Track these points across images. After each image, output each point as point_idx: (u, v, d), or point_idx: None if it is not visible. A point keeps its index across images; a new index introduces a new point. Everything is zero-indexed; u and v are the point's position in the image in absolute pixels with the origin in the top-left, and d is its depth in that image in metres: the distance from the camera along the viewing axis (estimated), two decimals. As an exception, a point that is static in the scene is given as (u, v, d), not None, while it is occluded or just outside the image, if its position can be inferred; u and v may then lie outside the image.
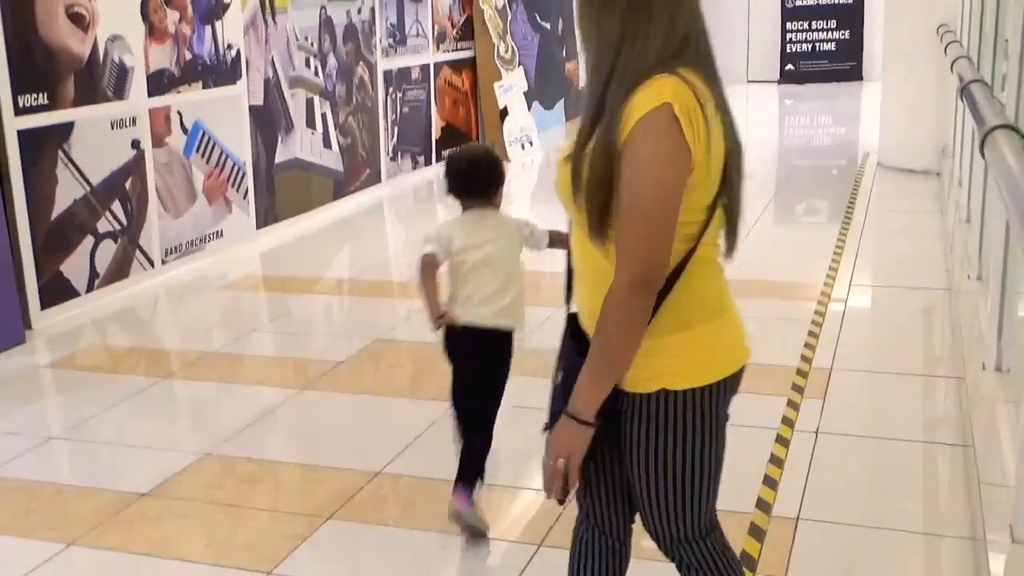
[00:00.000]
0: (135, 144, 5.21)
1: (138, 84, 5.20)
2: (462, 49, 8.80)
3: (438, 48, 8.41)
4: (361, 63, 7.33)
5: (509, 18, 9.26)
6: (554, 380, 1.80)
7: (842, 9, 14.14)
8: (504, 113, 8.90)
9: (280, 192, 6.43)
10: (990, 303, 3.41)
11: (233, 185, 5.99)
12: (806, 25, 14.27)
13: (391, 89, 7.74)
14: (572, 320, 1.76)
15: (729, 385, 1.68)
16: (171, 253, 5.47)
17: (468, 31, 8.84)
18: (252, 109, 6.13)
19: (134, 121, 5.19)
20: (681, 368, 1.64)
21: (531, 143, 9.23)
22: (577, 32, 1.63)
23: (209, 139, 5.76)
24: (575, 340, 1.73)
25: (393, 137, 7.80)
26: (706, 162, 1.53)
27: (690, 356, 1.64)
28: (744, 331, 1.73)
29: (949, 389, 3.64)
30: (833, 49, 14.25)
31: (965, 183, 5.13)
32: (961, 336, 3.87)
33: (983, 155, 2.19)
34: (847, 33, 14.14)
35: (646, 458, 1.68)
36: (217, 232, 5.84)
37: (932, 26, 7.10)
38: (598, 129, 1.56)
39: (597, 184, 1.54)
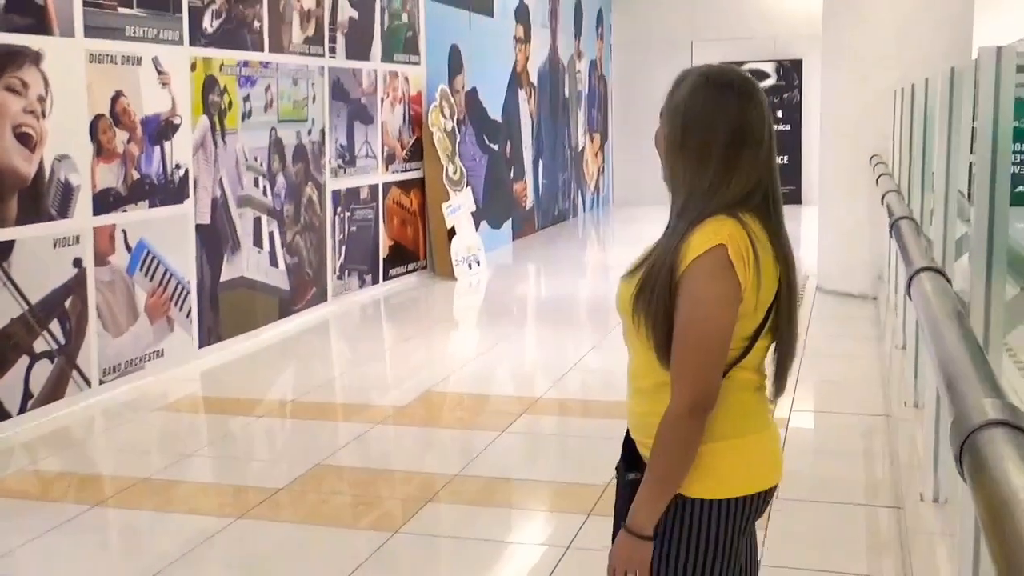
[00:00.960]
0: (77, 263, 5.16)
1: (83, 203, 5.19)
2: (411, 170, 8.93)
3: (387, 168, 8.53)
4: (310, 183, 7.40)
5: (458, 140, 9.45)
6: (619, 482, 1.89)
7: (780, 135, 14.66)
8: (452, 233, 9.00)
9: (224, 311, 6.39)
10: (926, 432, 3.46)
11: (176, 304, 5.94)
12: (746, 150, 14.74)
13: (339, 208, 7.81)
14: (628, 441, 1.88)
15: (749, 504, 1.75)
16: (109, 373, 5.38)
17: (417, 152, 8.99)
18: (199, 228, 6.13)
19: (77, 240, 5.16)
20: (698, 478, 1.72)
21: (478, 263, 9.31)
22: (664, 170, 1.81)
23: (153, 258, 5.74)
24: (624, 449, 1.86)
25: (341, 256, 7.84)
26: (754, 297, 1.69)
27: (709, 468, 1.72)
28: (777, 454, 1.83)
29: (891, 520, 3.65)
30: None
31: (900, 310, 5.26)
32: (899, 465, 3.91)
33: (910, 296, 2.25)
34: (785, 158, 14.64)
35: (657, 558, 1.74)
36: (158, 351, 5.76)
37: (866, 154, 7.38)
38: (661, 258, 1.72)
39: (657, 312, 1.70)
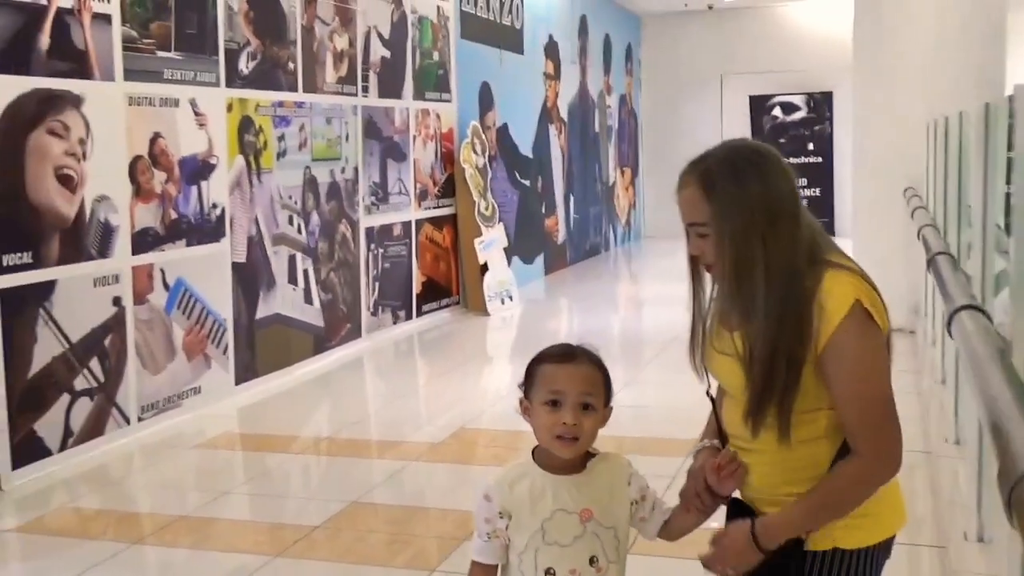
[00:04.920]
0: (116, 301, 5.23)
1: (122, 243, 5.27)
2: (443, 206, 8.99)
3: (420, 205, 8.59)
4: (344, 220, 7.47)
5: (490, 176, 9.51)
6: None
7: (812, 167, 14.62)
8: (484, 268, 9.04)
9: (260, 348, 6.44)
10: (968, 470, 3.41)
11: (213, 341, 6.00)
12: (778, 182, 14.71)
13: (373, 245, 7.87)
14: (736, 504, 1.85)
15: (888, 547, 1.79)
16: (148, 410, 5.43)
17: (449, 189, 9.05)
18: (235, 266, 6.20)
19: (117, 279, 5.23)
20: (853, 528, 1.73)
21: (511, 298, 9.33)
22: (728, 270, 1.74)
23: (191, 296, 5.80)
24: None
25: (374, 292, 7.88)
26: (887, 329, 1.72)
27: (863, 517, 1.73)
28: (902, 494, 1.83)
29: (933, 559, 3.60)
30: (806, 205, 14.65)
31: (939, 344, 5.20)
32: (942, 503, 3.85)
33: (950, 334, 2.24)
34: (818, 190, 14.58)
35: None
36: (195, 388, 5.81)
37: (898, 187, 7.35)
38: (765, 341, 1.68)
39: (783, 390, 1.67)
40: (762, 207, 1.71)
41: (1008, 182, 3.20)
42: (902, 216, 6.94)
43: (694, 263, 1.84)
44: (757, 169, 1.73)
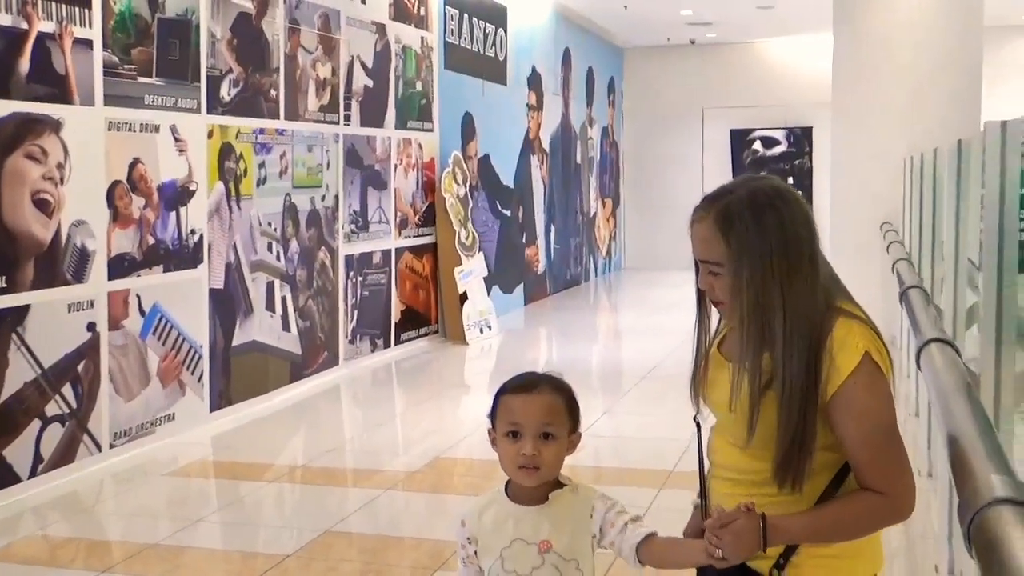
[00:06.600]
0: (91, 327, 5.19)
1: (98, 268, 5.24)
2: (423, 235, 9.00)
3: (400, 234, 8.60)
4: (323, 248, 7.46)
5: (471, 206, 9.53)
6: None
7: (792, 201, 14.75)
8: (464, 297, 9.03)
9: (236, 374, 6.40)
10: (940, 503, 3.42)
11: (188, 367, 5.95)
12: (758, 215, 14.82)
13: (352, 273, 7.85)
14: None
15: None
16: (120, 437, 5.37)
17: (430, 218, 9.06)
18: (212, 292, 6.17)
19: (92, 304, 5.19)
20: (830, 568, 1.75)
21: (490, 327, 9.33)
22: (745, 307, 1.72)
23: (166, 322, 5.77)
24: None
25: (352, 320, 7.86)
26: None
27: (841, 559, 1.75)
28: (881, 537, 1.85)
29: (905, 592, 3.60)
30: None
31: (912, 377, 5.23)
32: (914, 536, 3.86)
33: (919, 366, 2.25)
34: (797, 224, 14.70)
35: None
36: (169, 415, 5.76)
37: (876, 221, 7.41)
38: (786, 388, 1.68)
39: (793, 435, 1.67)
40: (781, 251, 1.69)
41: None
42: (879, 251, 7.00)
43: (701, 296, 1.82)
44: (777, 212, 1.71)
